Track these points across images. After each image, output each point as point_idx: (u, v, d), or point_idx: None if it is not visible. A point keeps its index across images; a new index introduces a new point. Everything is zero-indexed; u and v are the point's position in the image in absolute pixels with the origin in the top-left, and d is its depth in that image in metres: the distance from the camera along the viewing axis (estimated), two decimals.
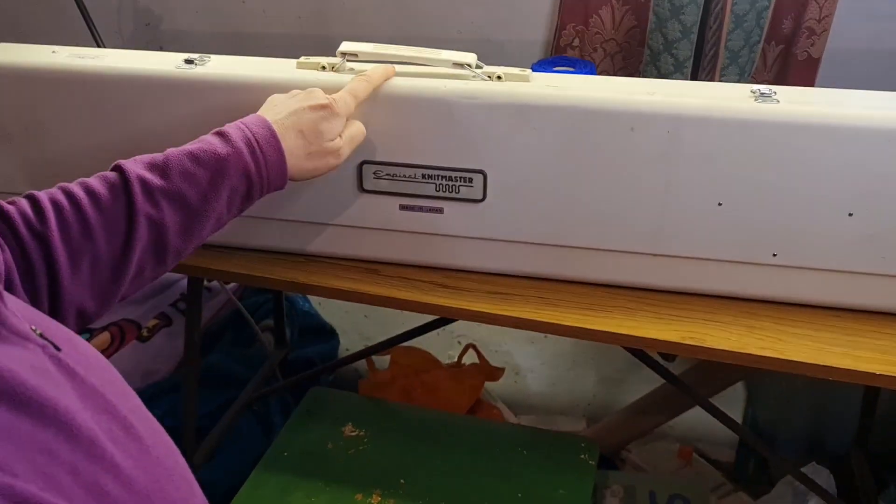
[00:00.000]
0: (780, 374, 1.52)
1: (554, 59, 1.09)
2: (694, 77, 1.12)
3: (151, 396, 1.25)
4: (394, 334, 1.44)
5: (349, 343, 1.73)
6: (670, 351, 0.82)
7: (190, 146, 0.69)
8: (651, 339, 0.82)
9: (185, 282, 1.35)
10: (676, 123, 0.78)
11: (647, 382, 1.59)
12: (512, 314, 0.85)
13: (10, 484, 0.35)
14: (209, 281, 1.66)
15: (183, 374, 1.08)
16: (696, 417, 1.61)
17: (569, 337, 0.84)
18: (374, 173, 0.87)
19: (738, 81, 1.18)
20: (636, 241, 0.85)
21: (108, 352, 1.50)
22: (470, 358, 1.48)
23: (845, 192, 0.78)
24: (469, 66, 0.83)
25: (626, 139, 0.80)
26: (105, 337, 1.53)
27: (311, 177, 0.77)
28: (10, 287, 0.58)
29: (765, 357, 0.79)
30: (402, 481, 0.97)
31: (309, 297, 1.71)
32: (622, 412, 1.51)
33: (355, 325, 1.72)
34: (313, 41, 1.43)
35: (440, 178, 0.86)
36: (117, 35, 1.52)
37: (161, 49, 1.53)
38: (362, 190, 0.88)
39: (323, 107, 0.75)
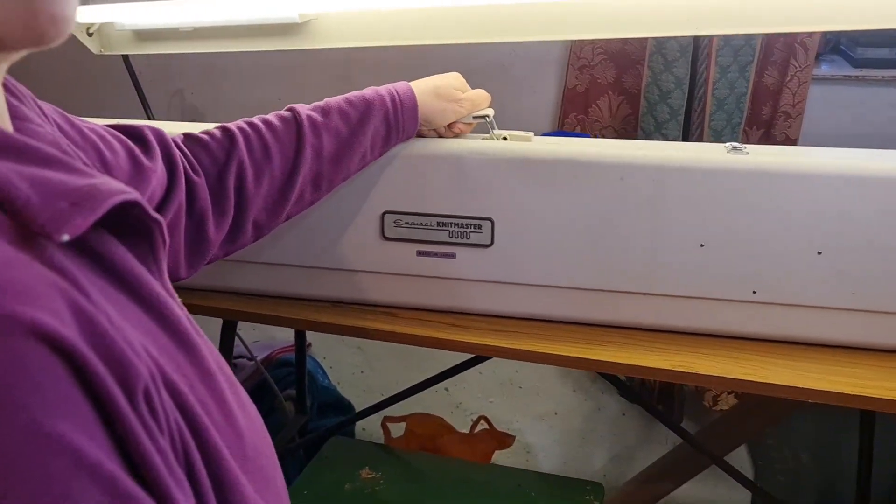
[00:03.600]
0: (786, 446, 1.55)
1: (555, 132, 1.23)
2: None
3: None
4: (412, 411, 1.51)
5: (364, 421, 1.78)
6: (661, 378, 0.90)
7: (347, 95, 0.87)
8: (644, 367, 0.89)
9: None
10: (661, 173, 0.89)
11: (657, 457, 1.62)
12: (514, 347, 0.94)
13: (158, 361, 0.38)
14: (236, 358, 1.75)
15: None
16: (707, 498, 1.63)
17: (566, 367, 0.92)
18: (394, 222, 0.98)
19: None
20: (628, 281, 0.94)
21: None
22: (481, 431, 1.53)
23: (813, 232, 0.88)
24: (487, 117, 0.96)
25: (617, 188, 0.91)
26: None
27: (438, 118, 0.93)
28: (202, 218, 0.74)
29: (748, 381, 0.86)
30: None
31: (328, 374, 1.78)
32: (632, 482, 1.54)
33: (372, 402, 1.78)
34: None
35: (453, 225, 0.96)
36: None
37: None
38: (384, 238, 0.99)
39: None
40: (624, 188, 0.90)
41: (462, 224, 0.96)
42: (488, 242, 0.96)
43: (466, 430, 1.56)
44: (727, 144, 0.92)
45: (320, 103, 0.86)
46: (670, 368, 0.89)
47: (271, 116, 0.82)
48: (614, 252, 0.93)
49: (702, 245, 0.91)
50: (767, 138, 1.30)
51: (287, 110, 0.84)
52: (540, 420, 1.73)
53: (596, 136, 1.39)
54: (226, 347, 1.10)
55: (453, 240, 0.97)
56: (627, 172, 0.90)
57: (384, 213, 0.98)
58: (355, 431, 1.75)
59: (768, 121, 1.30)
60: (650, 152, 0.91)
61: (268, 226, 0.83)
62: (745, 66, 1.24)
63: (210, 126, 0.81)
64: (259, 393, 1.56)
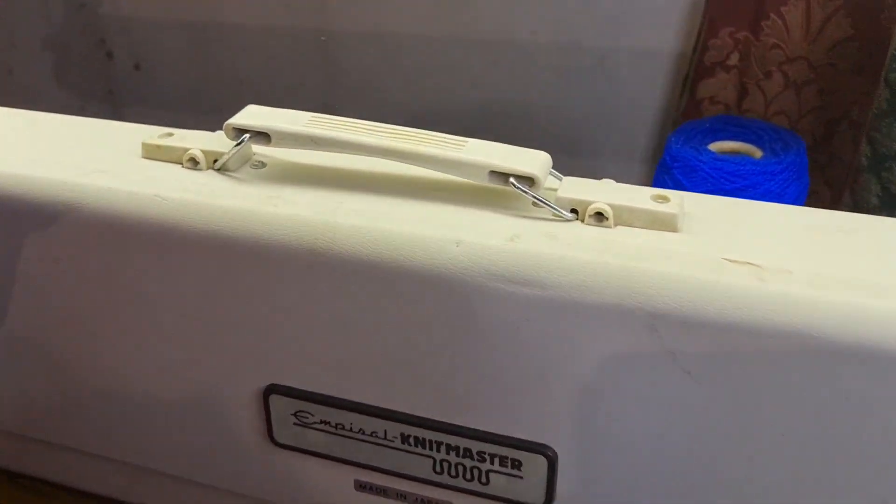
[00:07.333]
0: None
1: (712, 120, 0.56)
2: None
3: None
4: None
5: None
6: None
7: None
8: None
9: None
10: None
11: None
12: None
13: None
14: None
15: None
16: None
17: None
18: (296, 415, 0.37)
19: None
20: None
21: None
22: None
23: None
24: (532, 182, 0.32)
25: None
26: None
27: None
28: None
29: None
30: None
31: None
32: None
33: None
34: (306, 39, 0.95)
35: (445, 449, 0.36)
36: (44, 22, 1.07)
37: (104, 43, 1.07)
38: (274, 442, 0.39)
39: None
40: None
41: (472, 451, 0.35)
42: (541, 500, 0.35)
43: None
44: None
45: None
46: None
47: None
48: None
49: None
50: None
51: None
52: None
53: (771, 76, 0.72)
54: None
55: (447, 480, 0.37)
56: None
57: (268, 391, 0.37)
58: None
59: None
60: None
61: None
62: None
63: None
64: None
